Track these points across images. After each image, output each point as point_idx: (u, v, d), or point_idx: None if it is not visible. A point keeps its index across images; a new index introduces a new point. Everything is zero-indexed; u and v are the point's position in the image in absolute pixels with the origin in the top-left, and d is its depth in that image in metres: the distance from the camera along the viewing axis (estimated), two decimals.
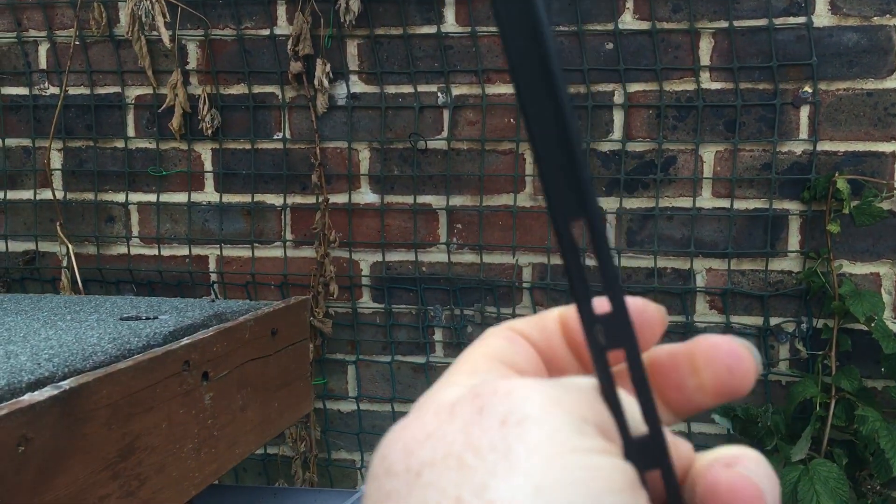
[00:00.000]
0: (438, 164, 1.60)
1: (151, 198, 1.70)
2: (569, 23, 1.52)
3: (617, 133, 1.53)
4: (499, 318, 1.58)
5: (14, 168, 1.74)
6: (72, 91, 1.70)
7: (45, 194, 1.71)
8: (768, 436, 1.41)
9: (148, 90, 1.68)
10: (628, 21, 1.51)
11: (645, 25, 1.50)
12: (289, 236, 1.67)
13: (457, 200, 1.60)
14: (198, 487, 0.88)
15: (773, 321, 1.52)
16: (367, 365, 1.67)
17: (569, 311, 0.28)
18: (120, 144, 1.70)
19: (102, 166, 1.71)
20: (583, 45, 1.52)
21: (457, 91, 1.58)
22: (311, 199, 1.65)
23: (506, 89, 1.56)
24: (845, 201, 1.41)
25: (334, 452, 1.71)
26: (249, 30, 1.63)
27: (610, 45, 1.52)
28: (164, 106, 1.64)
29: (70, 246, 1.66)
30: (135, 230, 1.72)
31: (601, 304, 0.24)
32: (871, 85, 1.45)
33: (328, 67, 1.58)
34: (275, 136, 1.65)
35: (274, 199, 1.67)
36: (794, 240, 1.50)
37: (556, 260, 1.55)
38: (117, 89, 1.69)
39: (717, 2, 1.47)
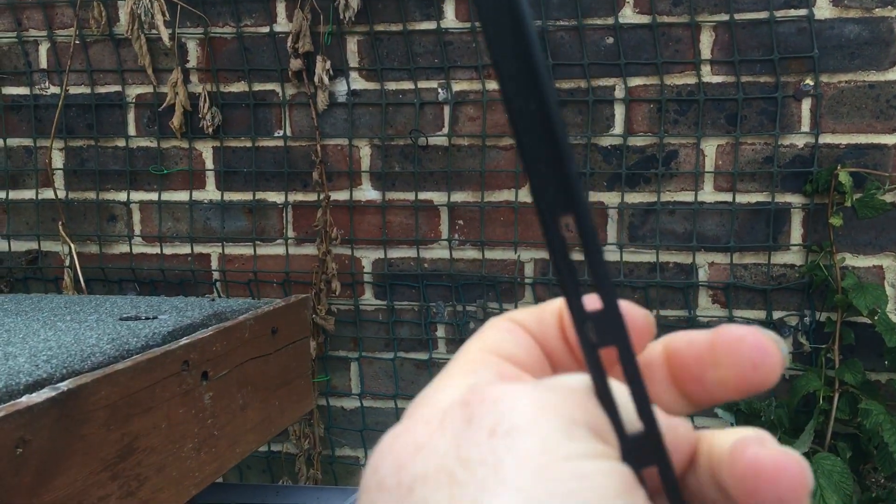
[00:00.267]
0: (439, 160, 1.59)
1: (153, 196, 1.71)
2: (569, 17, 1.51)
3: (618, 128, 1.53)
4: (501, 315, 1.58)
5: (16, 168, 1.75)
6: (72, 90, 1.70)
7: (47, 194, 1.71)
8: (771, 430, 1.41)
9: (148, 89, 1.68)
10: (629, 15, 1.50)
11: (645, 19, 1.49)
12: (290, 234, 1.67)
13: (458, 196, 1.60)
14: (198, 487, 0.88)
15: (776, 315, 1.52)
16: (369, 362, 1.67)
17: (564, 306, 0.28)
18: (121, 143, 1.70)
19: (104, 165, 1.72)
20: (583, 40, 1.51)
21: (457, 87, 1.57)
22: (312, 197, 1.65)
23: None
24: (848, 194, 1.40)
25: (338, 449, 1.71)
26: (249, 27, 1.63)
27: (610, 40, 1.51)
28: (164, 104, 1.64)
29: (72, 245, 1.66)
30: (137, 229, 1.73)
31: (592, 301, 0.23)
32: (872, 77, 1.44)
33: (328, 64, 1.58)
34: (275, 134, 1.65)
35: (275, 197, 1.67)
36: (796, 233, 1.50)
37: None
38: (118, 88, 1.69)
39: None
